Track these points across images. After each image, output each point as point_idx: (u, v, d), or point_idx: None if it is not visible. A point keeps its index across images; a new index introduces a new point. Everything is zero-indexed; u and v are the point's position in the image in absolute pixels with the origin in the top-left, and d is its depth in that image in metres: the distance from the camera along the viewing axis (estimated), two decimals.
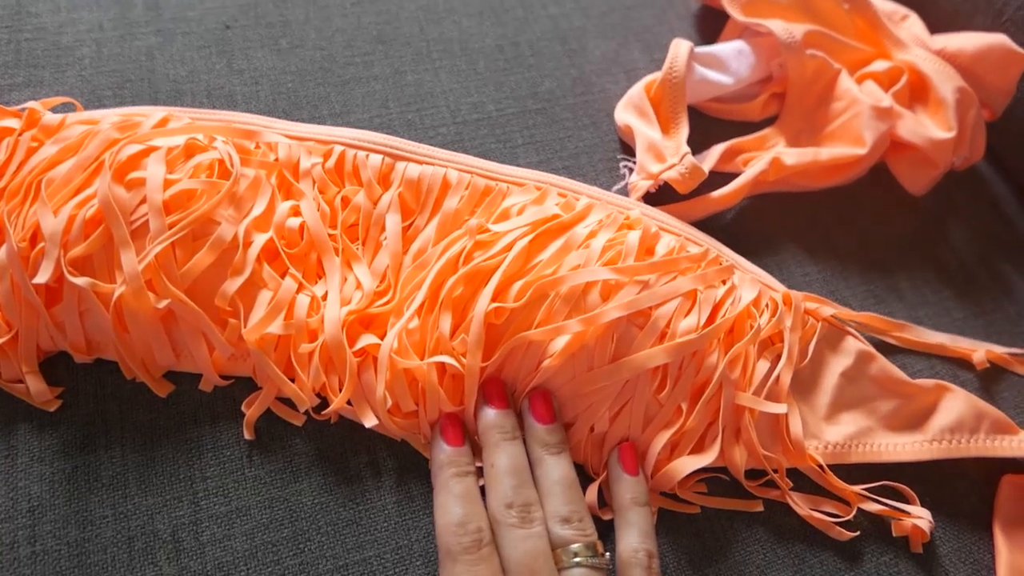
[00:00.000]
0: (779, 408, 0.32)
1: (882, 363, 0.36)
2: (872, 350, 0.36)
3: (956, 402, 0.36)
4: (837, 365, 0.36)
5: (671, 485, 0.31)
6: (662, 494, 0.32)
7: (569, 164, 0.42)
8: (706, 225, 0.39)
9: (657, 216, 0.37)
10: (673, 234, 0.36)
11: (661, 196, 0.39)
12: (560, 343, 0.30)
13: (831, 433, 0.35)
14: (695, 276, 0.32)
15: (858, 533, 0.33)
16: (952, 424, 0.35)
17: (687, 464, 0.31)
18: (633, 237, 0.33)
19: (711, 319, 0.32)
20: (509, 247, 0.32)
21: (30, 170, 0.32)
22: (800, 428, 0.33)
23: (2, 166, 0.33)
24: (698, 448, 0.32)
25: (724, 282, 0.33)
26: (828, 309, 0.37)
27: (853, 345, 0.36)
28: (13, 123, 0.34)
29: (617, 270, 0.31)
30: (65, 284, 0.30)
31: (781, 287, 0.37)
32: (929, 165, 0.43)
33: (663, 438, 0.31)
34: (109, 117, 0.35)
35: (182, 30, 0.42)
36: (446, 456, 0.30)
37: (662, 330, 0.31)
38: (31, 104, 0.35)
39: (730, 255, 0.37)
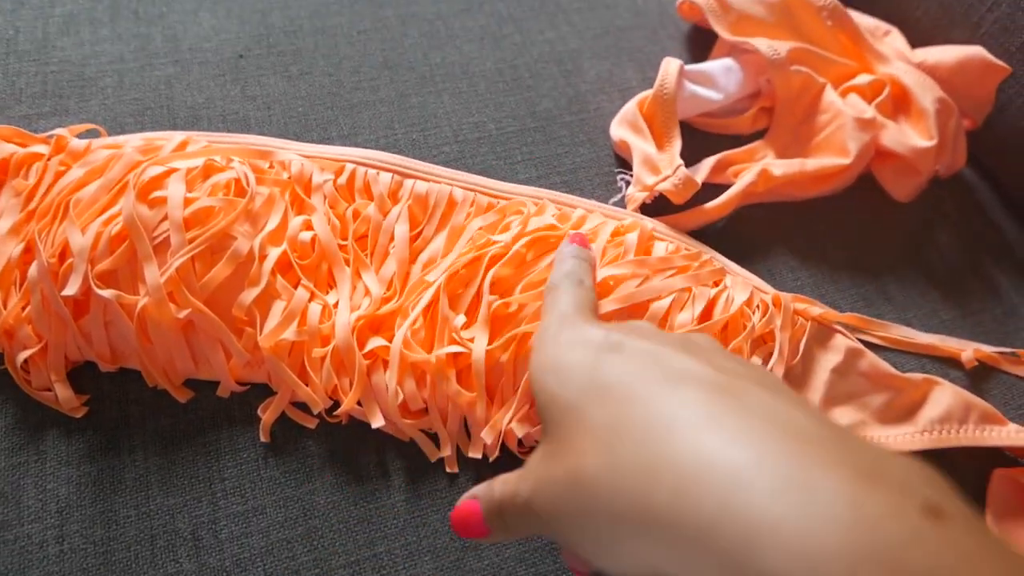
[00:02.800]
0: None
1: (871, 358, 0.37)
2: (861, 346, 0.38)
3: (945, 394, 0.37)
4: (827, 362, 0.37)
5: None
6: None
7: (567, 179, 0.43)
8: (699, 234, 0.41)
9: (654, 225, 0.39)
10: (669, 241, 0.38)
11: (656, 207, 0.41)
12: None
13: None
14: (689, 275, 0.34)
15: None
16: (941, 415, 0.36)
17: None
18: (632, 237, 0.35)
19: (706, 316, 0.33)
20: (507, 248, 0.34)
21: (59, 192, 0.34)
22: None
23: (32, 189, 0.35)
24: None
25: (717, 283, 0.35)
26: (816, 309, 0.38)
27: (842, 342, 0.38)
28: (42, 149, 0.36)
29: (616, 266, 0.33)
30: (92, 297, 0.32)
31: (771, 290, 0.38)
32: (913, 173, 0.44)
33: None
34: (132, 141, 0.37)
35: (198, 60, 0.45)
36: (571, 248, 0.31)
37: (659, 321, 0.32)
38: (59, 131, 0.37)
39: (722, 260, 0.39)
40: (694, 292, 0.34)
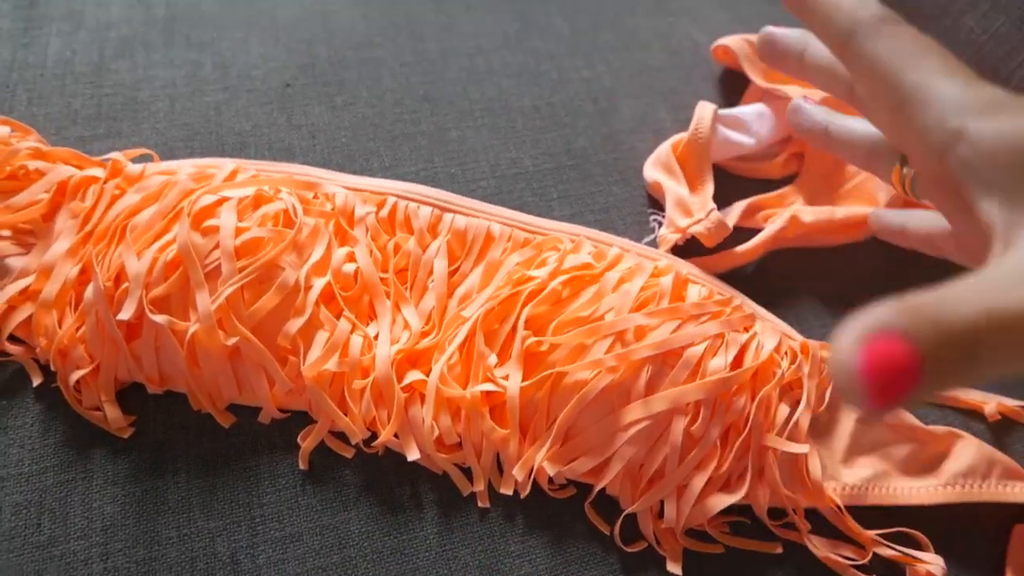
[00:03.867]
0: (802, 448, 0.34)
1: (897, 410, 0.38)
2: None
3: (968, 448, 0.37)
4: (853, 411, 0.38)
5: (704, 520, 0.33)
6: (688, 534, 0.34)
7: (600, 217, 0.44)
8: (727, 277, 0.42)
9: (688, 270, 0.40)
10: (702, 285, 0.39)
11: (686, 249, 0.42)
12: (595, 377, 0.33)
13: (848, 476, 0.36)
14: (722, 320, 0.34)
15: None
16: (965, 469, 0.37)
17: (719, 501, 0.33)
18: (666, 281, 0.36)
19: (738, 362, 0.34)
20: (544, 286, 0.35)
21: (115, 216, 0.35)
22: (819, 469, 0.35)
23: (89, 211, 0.36)
24: (726, 487, 0.34)
25: (747, 328, 0.36)
26: None
27: None
28: (98, 172, 0.38)
29: (650, 314, 0.33)
30: (145, 321, 0.33)
31: (799, 336, 0.39)
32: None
33: (702, 478, 0.33)
34: (184, 168, 0.38)
35: (247, 88, 0.46)
36: None
37: (693, 367, 0.33)
38: (114, 155, 0.38)
39: (752, 305, 0.40)
40: (727, 338, 0.35)
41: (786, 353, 0.37)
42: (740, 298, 0.40)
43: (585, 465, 0.33)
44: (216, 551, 0.32)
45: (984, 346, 0.15)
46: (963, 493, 0.36)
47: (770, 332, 0.37)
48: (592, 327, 0.33)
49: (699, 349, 0.33)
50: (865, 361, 0.15)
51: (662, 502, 0.34)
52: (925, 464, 0.37)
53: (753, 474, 0.34)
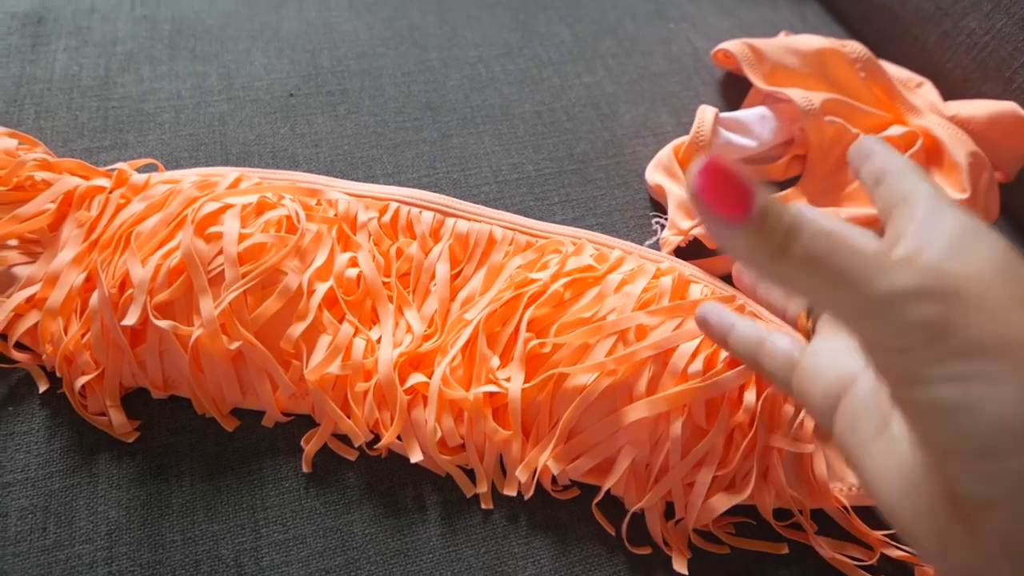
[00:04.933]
0: (807, 448, 0.34)
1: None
2: None
3: None
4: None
5: (710, 519, 0.33)
6: (696, 532, 0.34)
7: (602, 220, 0.44)
8: (730, 279, 0.42)
9: (692, 270, 0.40)
10: (702, 284, 0.38)
11: (689, 251, 0.42)
12: (597, 378, 0.33)
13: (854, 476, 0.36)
14: None
15: None
16: None
17: (725, 500, 0.33)
18: (666, 281, 0.36)
19: (737, 363, 0.34)
20: (545, 288, 0.35)
21: (120, 224, 0.36)
22: (824, 469, 0.35)
23: (95, 220, 0.37)
24: (731, 487, 0.33)
25: None
26: None
27: None
28: (104, 182, 0.38)
29: (651, 312, 0.33)
30: (149, 326, 0.33)
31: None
32: None
33: (708, 474, 0.33)
34: (189, 177, 0.39)
35: (251, 98, 0.47)
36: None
37: (686, 365, 0.33)
38: (120, 165, 0.39)
39: (753, 306, 0.40)
40: None
41: None
42: (742, 298, 0.40)
43: (588, 463, 0.33)
44: (220, 554, 0.32)
45: (796, 247, 0.17)
46: None
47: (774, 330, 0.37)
48: (594, 327, 0.33)
49: (692, 345, 0.33)
50: (707, 165, 0.17)
51: (670, 505, 0.34)
52: None
53: (758, 474, 0.34)
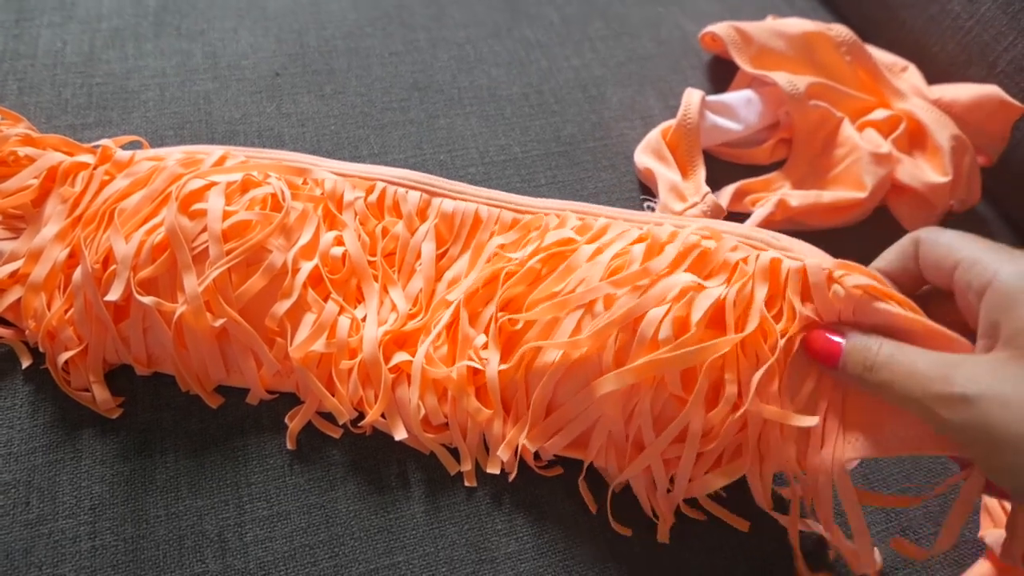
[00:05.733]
0: (808, 421, 0.30)
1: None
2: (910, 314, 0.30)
3: None
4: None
5: (701, 494, 0.33)
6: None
7: (589, 202, 0.44)
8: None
9: (711, 225, 0.35)
10: (707, 237, 0.34)
11: None
12: (564, 354, 0.32)
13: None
14: (691, 277, 0.32)
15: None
16: None
17: (717, 479, 0.32)
18: (638, 249, 0.33)
19: (718, 318, 0.31)
20: (522, 265, 0.35)
21: (104, 200, 0.36)
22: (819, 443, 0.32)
23: (78, 196, 0.37)
24: (719, 463, 0.32)
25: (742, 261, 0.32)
26: (862, 279, 0.31)
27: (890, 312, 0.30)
28: (88, 158, 0.38)
29: (615, 282, 0.32)
30: (132, 303, 0.33)
31: (819, 253, 0.33)
32: (927, 207, 0.45)
33: (692, 452, 0.31)
34: (174, 154, 0.39)
35: (236, 77, 0.47)
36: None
37: (653, 336, 0.31)
38: (104, 141, 0.38)
39: (763, 236, 0.34)
40: (695, 294, 0.31)
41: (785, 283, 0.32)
42: (754, 237, 0.34)
43: (564, 440, 0.33)
44: (204, 529, 0.32)
45: (872, 376, 0.28)
46: None
47: (760, 276, 0.32)
48: (560, 301, 0.33)
49: (660, 311, 0.31)
50: (806, 342, 0.31)
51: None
52: None
53: (751, 449, 0.32)
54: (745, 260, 0.32)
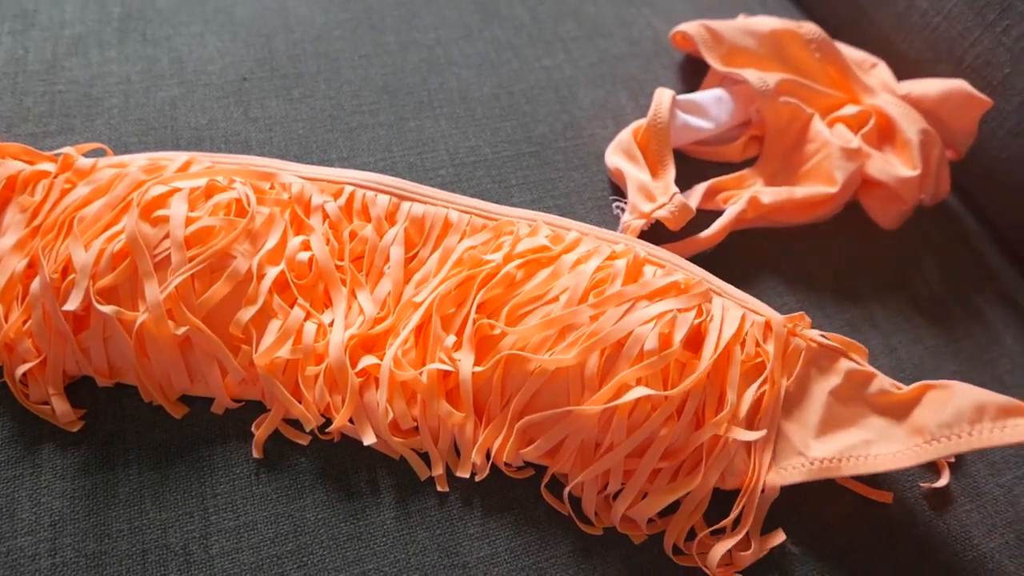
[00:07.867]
0: (754, 435, 0.33)
1: (878, 380, 0.36)
2: (870, 370, 0.36)
3: (951, 395, 0.34)
4: (826, 384, 0.36)
5: (642, 518, 0.33)
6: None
7: (560, 203, 0.44)
8: (692, 259, 0.42)
9: (651, 250, 0.39)
10: (659, 266, 0.38)
11: (651, 236, 0.41)
12: (545, 361, 0.32)
13: (821, 449, 0.35)
14: (671, 299, 0.34)
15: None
16: (949, 419, 0.33)
17: (658, 501, 0.33)
18: (620, 264, 0.35)
19: (694, 342, 0.34)
20: (499, 269, 0.34)
21: (64, 209, 0.35)
22: (767, 458, 0.35)
23: (38, 205, 0.36)
24: (675, 478, 0.33)
25: (702, 308, 0.35)
26: (814, 332, 0.37)
27: (844, 365, 0.37)
28: (49, 167, 0.37)
29: (596, 304, 0.33)
30: (92, 312, 0.32)
31: (767, 311, 0.37)
32: (898, 201, 0.45)
33: (648, 466, 0.32)
34: (137, 161, 0.38)
35: (203, 82, 0.46)
36: None
37: (639, 351, 0.32)
38: (66, 149, 0.38)
39: (714, 281, 0.39)
40: (676, 317, 0.34)
41: (747, 332, 0.36)
42: (702, 275, 0.39)
43: (540, 449, 0.33)
44: (168, 543, 0.31)
45: None
46: (949, 446, 0.32)
47: (732, 312, 0.36)
48: (544, 323, 0.33)
49: (645, 330, 0.33)
50: None
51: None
52: (905, 426, 0.35)
53: (701, 464, 0.33)
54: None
